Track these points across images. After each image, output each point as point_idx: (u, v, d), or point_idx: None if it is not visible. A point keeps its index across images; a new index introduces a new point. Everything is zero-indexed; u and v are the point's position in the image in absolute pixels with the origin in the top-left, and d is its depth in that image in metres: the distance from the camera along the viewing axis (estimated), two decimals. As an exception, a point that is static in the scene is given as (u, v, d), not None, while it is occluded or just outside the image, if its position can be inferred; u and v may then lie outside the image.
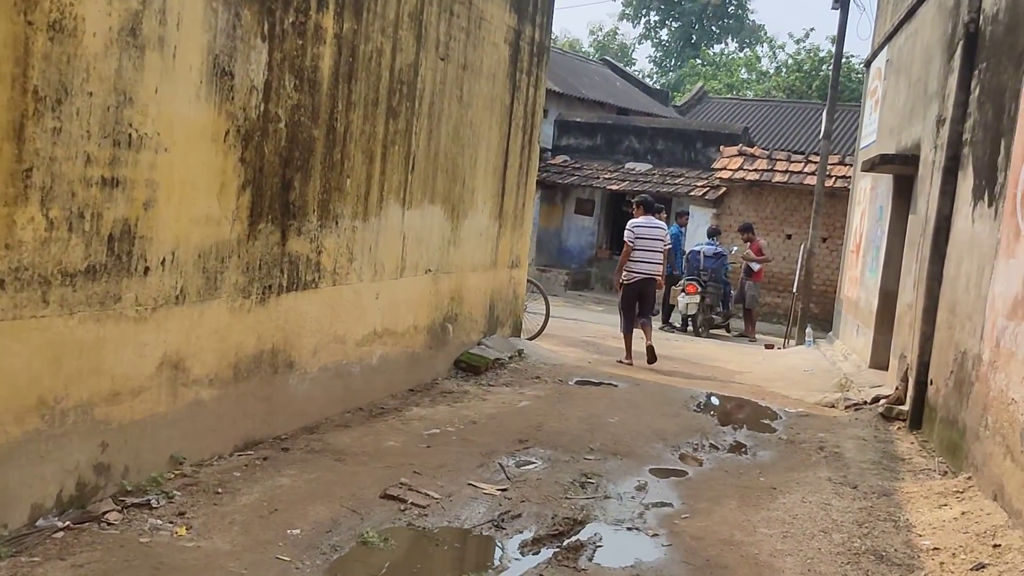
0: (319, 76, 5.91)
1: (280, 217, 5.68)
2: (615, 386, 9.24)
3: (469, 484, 5.42)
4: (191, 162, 4.83)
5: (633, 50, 54.86)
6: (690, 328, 14.81)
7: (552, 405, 7.87)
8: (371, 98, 6.60)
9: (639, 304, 10.60)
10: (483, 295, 9.31)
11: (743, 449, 7.08)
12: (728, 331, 15.56)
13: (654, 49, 50.16)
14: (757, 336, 15.45)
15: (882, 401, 8.45)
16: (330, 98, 6.09)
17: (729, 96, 30.96)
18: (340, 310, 6.58)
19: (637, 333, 10.83)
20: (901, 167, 9.17)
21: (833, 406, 9.09)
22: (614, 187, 18.40)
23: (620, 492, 5.60)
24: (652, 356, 10.46)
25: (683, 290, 14.40)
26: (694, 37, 46.81)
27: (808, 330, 13.65)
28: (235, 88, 5.10)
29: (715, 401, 9.10)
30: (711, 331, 15.05)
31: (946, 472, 6.31)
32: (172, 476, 4.90)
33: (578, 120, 20.00)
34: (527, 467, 5.94)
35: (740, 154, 17.62)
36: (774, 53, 42.06)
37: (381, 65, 6.69)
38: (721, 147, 17.88)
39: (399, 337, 7.56)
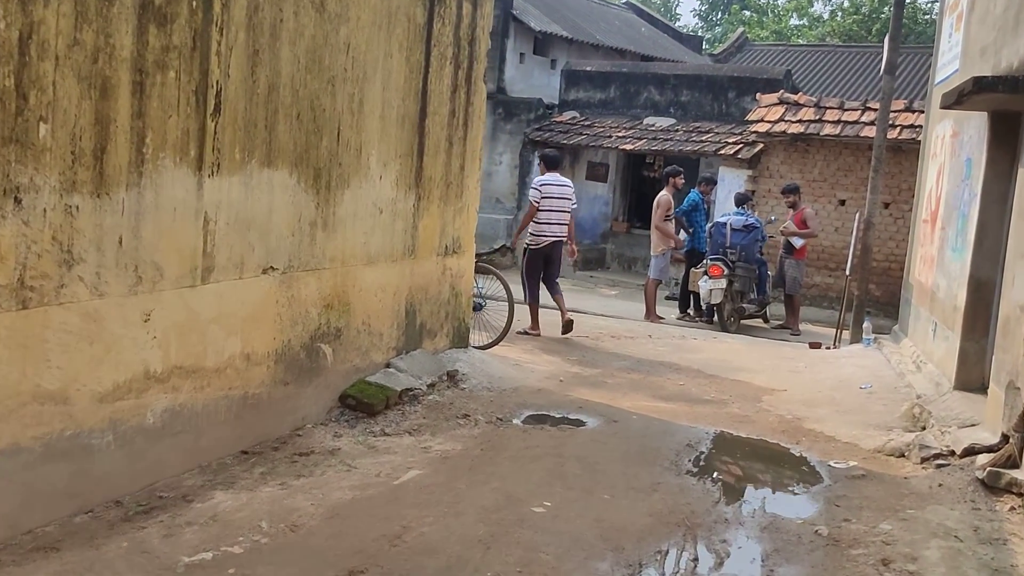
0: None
1: None
2: (581, 425, 6.42)
3: None
4: None
5: (677, 4, 51.25)
6: (716, 319, 11.85)
7: (455, 477, 5.07)
8: (86, -17, 3.83)
9: (545, 269, 9.93)
10: (391, 297, 6.52)
11: (752, 566, 4.23)
12: (766, 321, 12.56)
13: (699, 3, 46.53)
14: (801, 327, 12.44)
15: (981, 457, 5.51)
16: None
17: (775, 43, 27.49)
18: (47, 347, 3.85)
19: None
20: (1006, 96, 6.11)
21: (903, 455, 6.16)
22: (628, 146, 15.40)
23: None
24: (569, 327, 9.73)
25: (706, 272, 11.44)
26: (741, -14, 43.07)
27: (866, 324, 10.61)
28: None
29: (724, 451, 6.22)
30: (743, 322, 12.08)
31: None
32: None
33: (588, 69, 16.99)
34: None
35: (781, 102, 14.49)
36: (828, -6, 38.16)
37: (109, -74, 3.91)
38: (758, 95, 14.77)
39: (211, 376, 4.82)
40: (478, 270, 8.79)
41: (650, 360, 9.03)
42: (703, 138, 15.18)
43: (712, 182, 12.79)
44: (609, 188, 16.96)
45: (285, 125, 5.17)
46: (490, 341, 8.60)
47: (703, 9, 45.58)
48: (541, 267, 9.82)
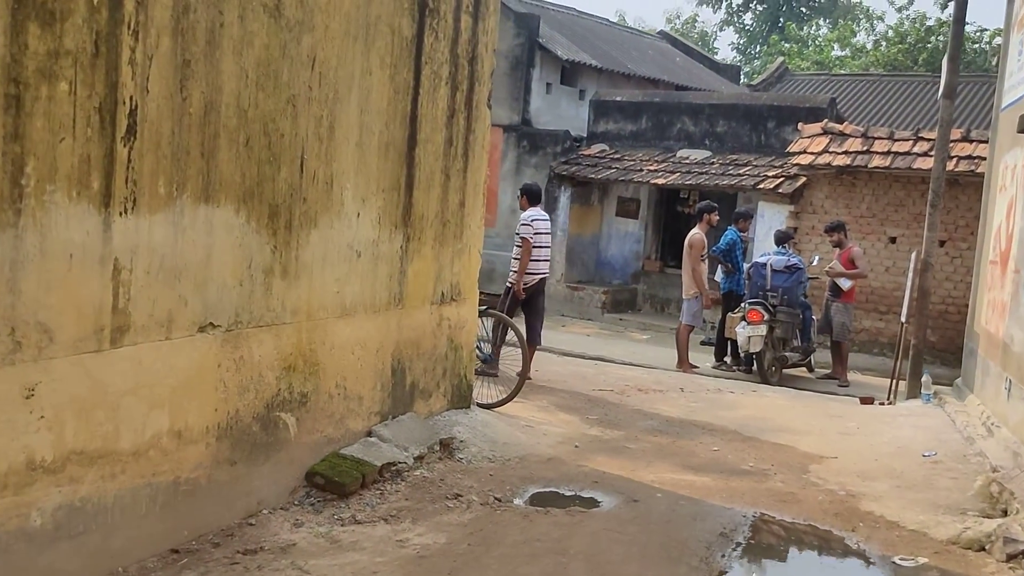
0: None
1: None
2: (595, 505, 5.42)
3: None
4: None
5: (714, 39, 50.37)
6: (755, 369, 10.76)
7: (428, 588, 4.09)
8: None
9: (528, 309, 9.21)
10: (372, 354, 5.58)
11: None
12: (810, 370, 11.44)
13: (737, 36, 45.59)
14: (850, 377, 11.30)
15: (1088, 561, 4.42)
16: None
17: (816, 72, 26.41)
18: None
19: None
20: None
21: (983, 548, 5.07)
22: (660, 181, 14.41)
23: None
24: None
25: (744, 318, 10.38)
26: (781, 20, 42.05)
27: (925, 377, 9.47)
28: None
29: (765, 542, 5.17)
30: (785, 371, 10.97)
31: None
32: None
33: (617, 99, 16.07)
34: None
35: (825, 133, 13.44)
36: (872, 25, 37.00)
37: None
38: (800, 124, 13.74)
39: (126, 460, 3.91)
40: (486, 316, 7.85)
41: (680, 419, 7.99)
42: (741, 171, 14.16)
43: (749, 217, 11.73)
44: (640, 225, 15.98)
45: (229, 153, 4.29)
46: (500, 399, 7.63)
47: (741, 42, 44.66)
48: (524, 305, 9.16)
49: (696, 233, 10.85)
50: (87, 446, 3.72)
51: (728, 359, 11.44)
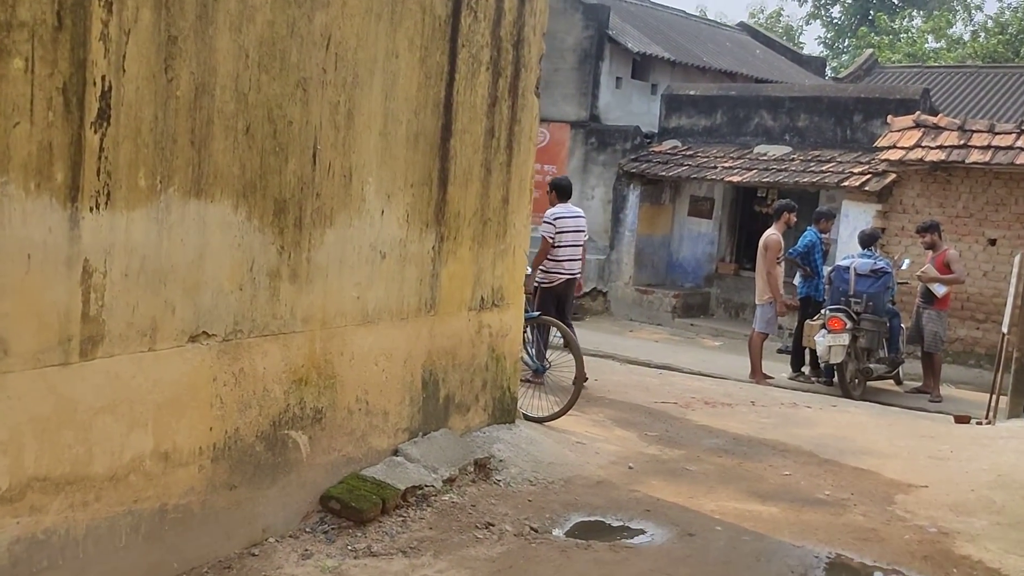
0: None
1: None
2: (643, 538, 4.82)
3: None
4: None
5: (800, 33, 48.79)
6: (836, 382, 9.95)
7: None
8: None
9: (557, 311, 8.60)
10: (399, 365, 5.07)
11: None
12: (898, 383, 10.57)
13: (824, 30, 43.99)
14: (943, 391, 10.39)
15: None
16: None
17: (908, 65, 25.01)
18: None
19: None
20: None
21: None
22: (736, 178, 13.62)
23: None
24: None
25: (824, 325, 9.59)
26: (871, 12, 40.35)
27: (1029, 394, 8.55)
28: None
29: (841, 590, 4.50)
30: (870, 384, 10.13)
31: None
32: None
33: (691, 93, 15.30)
34: None
35: (917, 126, 12.47)
36: (969, 15, 35.09)
37: None
38: (890, 117, 12.80)
39: (101, 486, 3.47)
40: (538, 323, 7.30)
41: (749, 437, 7.30)
42: (823, 168, 13.27)
43: (831, 216, 10.88)
44: (714, 225, 15.20)
45: (226, 141, 3.82)
46: (553, 412, 7.07)
47: (828, 37, 43.06)
48: (552, 307, 8.55)
49: (772, 234, 10.09)
50: (52, 471, 3.29)
51: (806, 370, 10.64)
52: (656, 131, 15.78)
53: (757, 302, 10.29)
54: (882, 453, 7.05)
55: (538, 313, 7.20)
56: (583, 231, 8.89)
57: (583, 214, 9.06)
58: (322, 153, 4.33)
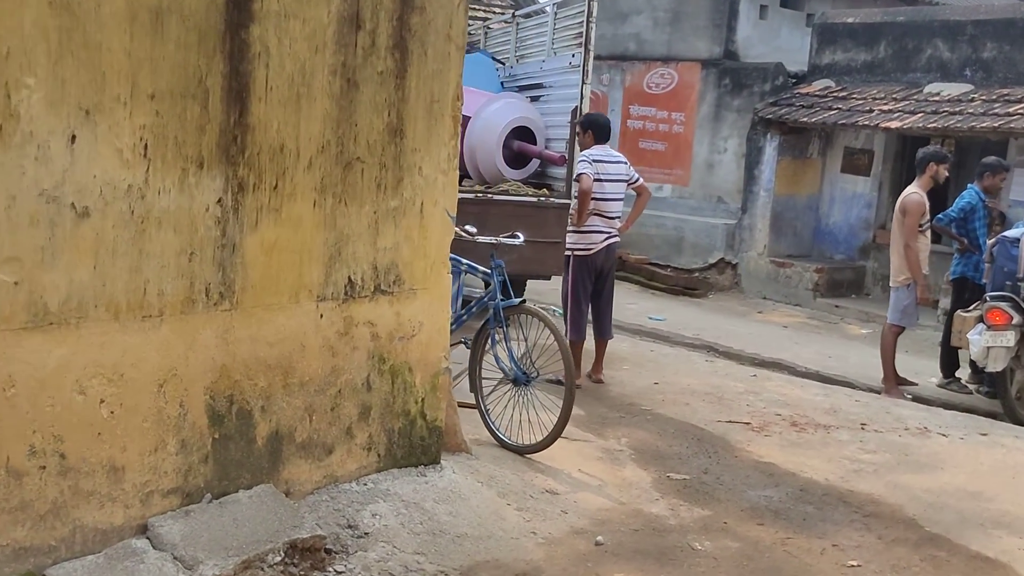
0: None
1: None
2: None
3: None
4: None
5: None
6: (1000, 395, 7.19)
7: None
8: None
9: (595, 288, 6.77)
10: (146, 392, 3.14)
11: None
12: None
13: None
14: None
15: None
16: None
17: None
18: None
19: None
20: None
21: None
22: (893, 124, 10.68)
23: None
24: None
25: (981, 319, 6.87)
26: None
27: None
28: None
29: None
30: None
31: None
32: None
33: (849, 21, 12.34)
34: None
35: None
36: None
37: None
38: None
39: None
40: (519, 312, 5.20)
41: (827, 487, 4.93)
42: (1012, 109, 10.15)
43: (1002, 169, 7.87)
44: (873, 184, 12.24)
45: None
46: (535, 442, 4.98)
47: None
48: (591, 282, 6.72)
49: (913, 192, 7.37)
50: None
51: (963, 375, 7.88)
52: (806, 70, 12.95)
53: (891, 285, 7.62)
54: (1034, 533, 4.51)
55: (520, 300, 5.09)
56: (624, 180, 6.78)
57: (625, 160, 6.87)
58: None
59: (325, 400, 3.74)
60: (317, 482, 3.76)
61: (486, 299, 5.23)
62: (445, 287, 4.19)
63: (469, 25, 12.30)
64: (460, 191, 9.00)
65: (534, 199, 8.93)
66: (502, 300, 5.13)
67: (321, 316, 3.66)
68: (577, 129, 7.13)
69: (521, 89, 10.30)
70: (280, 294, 3.50)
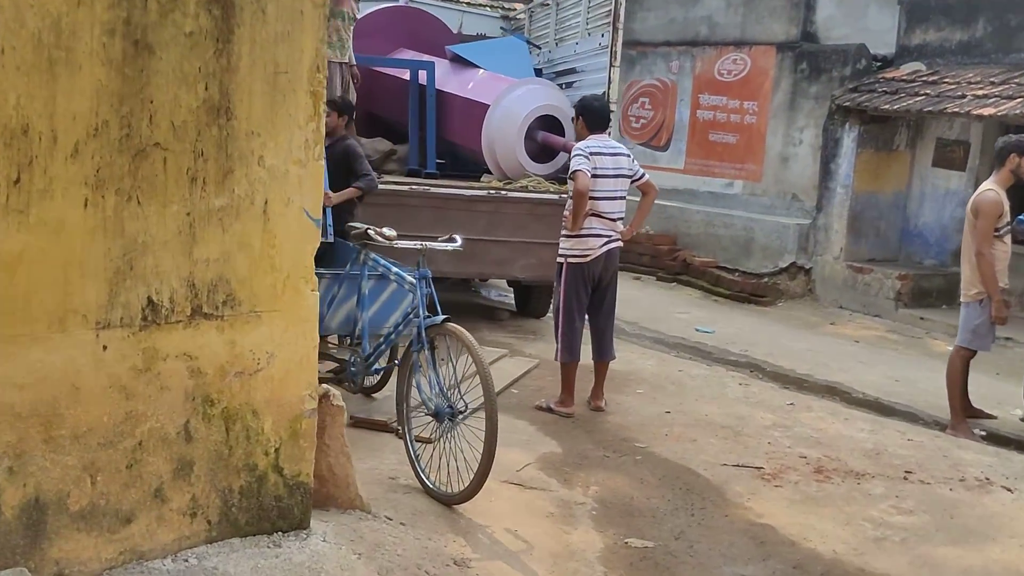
0: None
1: None
2: None
3: None
4: None
5: None
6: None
7: None
8: None
9: (594, 299, 5.87)
10: None
11: None
12: None
13: None
14: None
15: None
16: None
17: None
18: None
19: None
20: None
21: None
22: (988, 111, 9.21)
23: None
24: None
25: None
26: None
27: None
28: None
29: None
30: None
31: None
32: None
33: (944, -5, 10.89)
34: None
35: None
36: None
37: None
38: None
39: None
40: (440, 333, 4.29)
41: (832, 562, 3.85)
42: None
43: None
44: (968, 179, 10.69)
45: None
46: (458, 491, 4.08)
47: None
48: (586, 294, 5.85)
49: (988, 190, 6.07)
50: None
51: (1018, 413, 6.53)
52: (894, 51, 11.52)
53: (962, 300, 6.33)
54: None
55: (443, 318, 4.17)
56: (626, 176, 5.84)
57: (627, 152, 5.88)
58: None
59: (117, 455, 2.91)
60: (109, 559, 2.94)
61: (411, 315, 4.34)
62: (308, 308, 3.31)
63: (512, 10, 11.54)
64: (469, 187, 8.27)
65: (555, 196, 8.00)
66: (427, 317, 4.23)
67: (104, 348, 2.83)
68: (573, 116, 6.20)
69: (557, 75, 9.39)
70: (32, 321, 2.68)
